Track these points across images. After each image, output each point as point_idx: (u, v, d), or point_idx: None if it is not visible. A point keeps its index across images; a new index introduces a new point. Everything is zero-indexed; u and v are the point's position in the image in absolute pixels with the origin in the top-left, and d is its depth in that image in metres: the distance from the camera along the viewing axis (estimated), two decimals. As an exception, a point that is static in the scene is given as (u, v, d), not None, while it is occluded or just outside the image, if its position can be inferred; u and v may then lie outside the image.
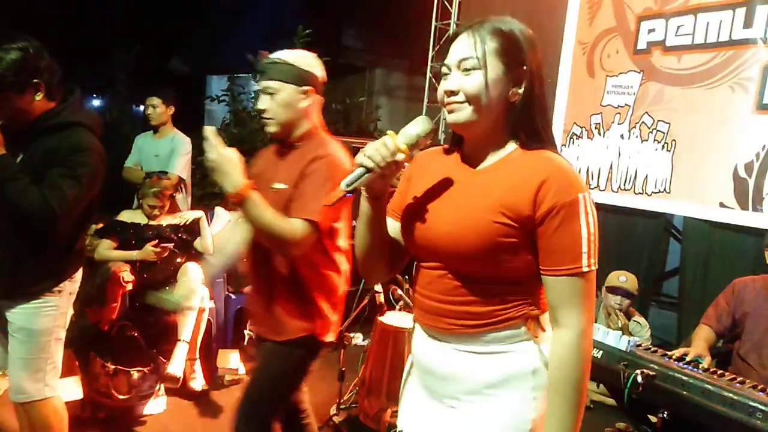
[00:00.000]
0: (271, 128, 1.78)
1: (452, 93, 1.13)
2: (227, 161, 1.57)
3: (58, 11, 7.96)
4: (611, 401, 3.03)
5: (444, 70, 1.17)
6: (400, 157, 1.12)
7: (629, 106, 3.58)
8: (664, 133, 3.40)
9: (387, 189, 1.18)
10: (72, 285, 2.02)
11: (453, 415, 1.20)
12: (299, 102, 1.76)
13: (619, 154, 3.64)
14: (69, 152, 1.85)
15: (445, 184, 1.20)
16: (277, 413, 1.89)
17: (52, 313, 1.95)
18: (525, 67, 1.14)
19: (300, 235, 1.65)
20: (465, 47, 1.13)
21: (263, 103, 1.76)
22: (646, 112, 3.49)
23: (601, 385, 3.06)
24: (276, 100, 1.74)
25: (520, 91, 1.14)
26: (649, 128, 3.48)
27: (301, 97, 1.76)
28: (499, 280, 1.13)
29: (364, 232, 1.24)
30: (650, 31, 3.49)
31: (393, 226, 1.28)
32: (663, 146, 3.40)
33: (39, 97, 1.87)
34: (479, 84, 1.11)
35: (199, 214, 3.51)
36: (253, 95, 6.12)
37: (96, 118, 2.05)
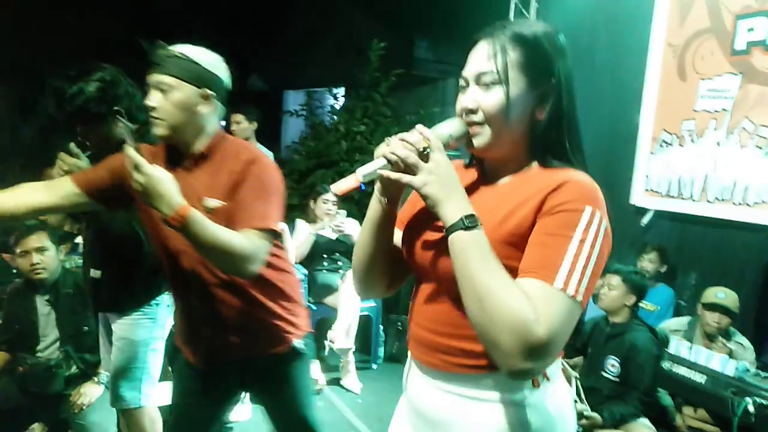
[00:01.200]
0: (160, 130, 1.53)
1: (470, 111, 1.01)
2: (159, 182, 1.35)
3: (144, 32, 8.50)
4: (712, 428, 2.81)
5: (461, 83, 1.05)
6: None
7: (726, 110, 3.35)
8: (767, 138, 3.15)
9: (402, 192, 1.06)
10: (170, 297, 2.11)
11: None
12: (197, 105, 1.53)
13: (716, 163, 3.40)
14: None
15: None
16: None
17: (150, 324, 2.05)
18: (553, 81, 1.01)
19: (259, 247, 1.46)
20: (484, 59, 1.01)
21: (154, 99, 1.51)
22: (746, 117, 3.25)
23: (700, 410, 2.85)
24: (170, 100, 1.50)
25: (547, 108, 1.01)
26: (749, 134, 3.24)
27: (199, 101, 1.53)
28: None
29: (369, 239, 1.11)
30: (749, 30, 3.25)
31: (398, 238, 1.15)
32: (766, 153, 3.15)
33: (121, 123, 1.94)
34: (500, 102, 0.99)
35: (281, 226, 3.59)
36: (329, 109, 6.24)
37: None
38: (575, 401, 2.56)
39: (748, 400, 1.82)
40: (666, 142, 3.72)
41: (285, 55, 8.79)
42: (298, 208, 4.59)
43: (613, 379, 2.71)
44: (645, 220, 3.89)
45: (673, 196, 3.65)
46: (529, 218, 0.95)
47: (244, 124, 4.03)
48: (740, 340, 3.01)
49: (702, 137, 3.50)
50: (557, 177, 0.97)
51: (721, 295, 3.00)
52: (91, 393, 2.50)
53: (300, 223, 4.08)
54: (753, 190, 3.20)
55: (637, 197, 3.87)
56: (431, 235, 1.06)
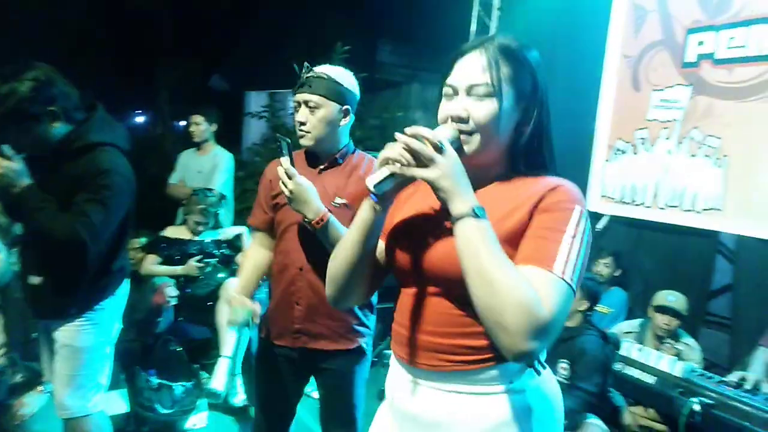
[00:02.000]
0: (307, 141, 1.79)
1: (460, 119, 1.03)
2: (305, 191, 1.64)
3: (105, 32, 8.26)
4: (661, 427, 2.90)
5: (447, 90, 1.07)
6: None
7: (677, 120, 3.47)
8: (714, 148, 3.27)
9: (396, 198, 1.09)
10: (115, 301, 2.04)
11: None
12: (338, 119, 1.79)
13: (667, 170, 3.52)
14: (92, 176, 1.84)
15: (439, 205, 1.08)
16: None
17: (94, 330, 1.97)
18: (537, 95, 1.07)
19: None
20: (477, 70, 1.04)
21: (303, 115, 1.77)
22: (695, 127, 3.37)
23: (651, 410, 2.93)
24: (317, 115, 1.76)
25: (531, 120, 1.07)
26: (698, 143, 3.36)
27: (340, 116, 1.79)
28: None
29: (355, 245, 1.09)
30: (699, 43, 3.38)
31: (379, 246, 1.17)
32: (714, 162, 3.27)
33: (57, 124, 1.85)
34: (493, 113, 1.03)
35: (241, 229, 3.54)
36: (292, 111, 6.19)
37: (122, 132, 2.01)
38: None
39: (694, 400, 1.89)
40: (620, 150, 3.83)
41: (248, 55, 8.70)
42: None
43: (564, 381, 2.76)
44: (600, 225, 4.00)
45: (626, 203, 3.75)
46: (527, 218, 1.01)
47: (203, 126, 3.95)
48: (687, 340, 3.12)
49: (654, 146, 3.61)
50: (548, 182, 1.04)
51: (671, 297, 3.11)
52: (34, 403, 2.39)
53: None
54: (701, 197, 3.32)
55: (593, 203, 3.97)
56: (431, 239, 1.07)
